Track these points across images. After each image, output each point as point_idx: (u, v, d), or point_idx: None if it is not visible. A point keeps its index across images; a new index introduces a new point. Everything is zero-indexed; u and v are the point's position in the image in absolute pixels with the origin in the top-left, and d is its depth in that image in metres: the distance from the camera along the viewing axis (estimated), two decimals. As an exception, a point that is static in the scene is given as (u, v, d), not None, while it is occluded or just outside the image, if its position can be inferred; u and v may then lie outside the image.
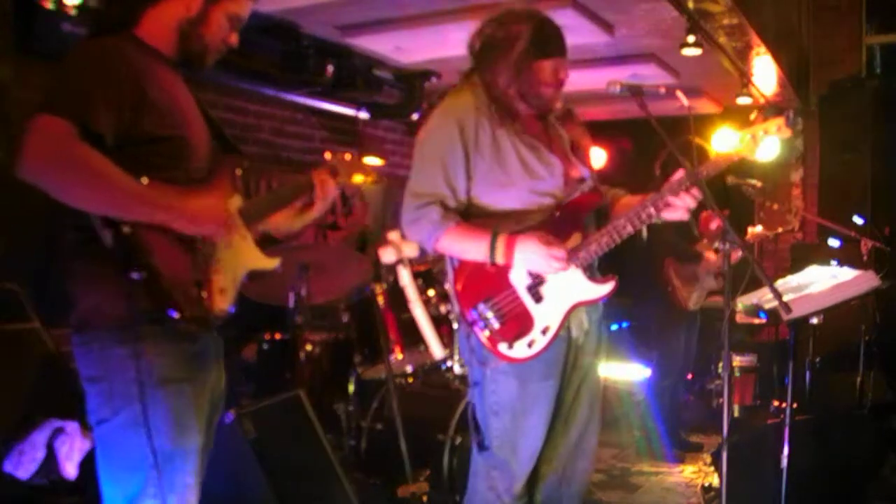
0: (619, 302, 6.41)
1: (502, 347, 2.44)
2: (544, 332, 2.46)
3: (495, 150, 2.47)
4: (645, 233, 2.56)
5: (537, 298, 2.47)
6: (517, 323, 2.45)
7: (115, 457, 1.94)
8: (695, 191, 2.46)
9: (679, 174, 2.49)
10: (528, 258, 2.41)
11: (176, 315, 1.85)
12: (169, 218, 1.87)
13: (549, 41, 2.51)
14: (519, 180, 2.48)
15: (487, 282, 2.46)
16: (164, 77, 1.99)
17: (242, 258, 2.11)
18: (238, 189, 2.13)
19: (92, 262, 1.88)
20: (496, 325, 2.44)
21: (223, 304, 2.00)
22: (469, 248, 2.45)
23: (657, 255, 4.90)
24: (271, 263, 2.20)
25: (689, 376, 5.66)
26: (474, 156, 2.46)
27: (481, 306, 2.44)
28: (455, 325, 3.84)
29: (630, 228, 2.48)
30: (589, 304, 2.55)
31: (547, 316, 2.47)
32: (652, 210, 2.48)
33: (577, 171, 2.60)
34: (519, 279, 2.46)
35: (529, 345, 2.45)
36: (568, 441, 2.65)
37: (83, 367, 1.95)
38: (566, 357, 2.57)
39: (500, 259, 2.42)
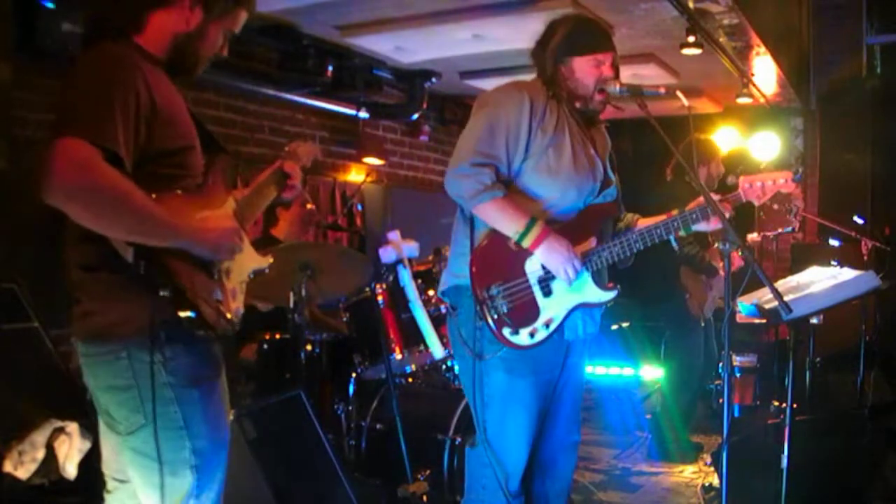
0: (631, 301, 6.38)
1: (506, 332, 2.49)
2: (547, 324, 2.52)
3: (556, 131, 2.52)
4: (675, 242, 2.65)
5: (546, 291, 2.53)
6: (524, 311, 2.51)
7: (153, 462, 1.93)
8: (714, 220, 2.57)
9: (694, 204, 2.58)
10: (550, 254, 2.46)
11: (204, 329, 1.89)
12: (190, 245, 1.87)
13: (580, 39, 2.59)
14: (566, 169, 2.52)
15: (503, 267, 2.51)
16: (167, 87, 1.96)
17: (245, 261, 2.12)
18: (230, 192, 2.12)
19: (113, 274, 1.87)
20: (505, 309, 2.49)
21: (236, 306, 2.04)
22: (505, 221, 2.48)
23: (671, 262, 4.86)
24: (266, 262, 2.22)
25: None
26: (537, 132, 2.50)
27: (494, 289, 2.50)
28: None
29: (641, 245, 2.55)
30: (590, 307, 2.60)
31: (552, 309, 2.53)
32: (664, 234, 2.56)
33: (609, 178, 2.66)
34: (533, 270, 2.52)
35: (532, 334, 2.51)
36: (551, 437, 2.70)
37: (105, 377, 1.93)
38: (555, 357, 2.62)
39: (526, 243, 2.46)
